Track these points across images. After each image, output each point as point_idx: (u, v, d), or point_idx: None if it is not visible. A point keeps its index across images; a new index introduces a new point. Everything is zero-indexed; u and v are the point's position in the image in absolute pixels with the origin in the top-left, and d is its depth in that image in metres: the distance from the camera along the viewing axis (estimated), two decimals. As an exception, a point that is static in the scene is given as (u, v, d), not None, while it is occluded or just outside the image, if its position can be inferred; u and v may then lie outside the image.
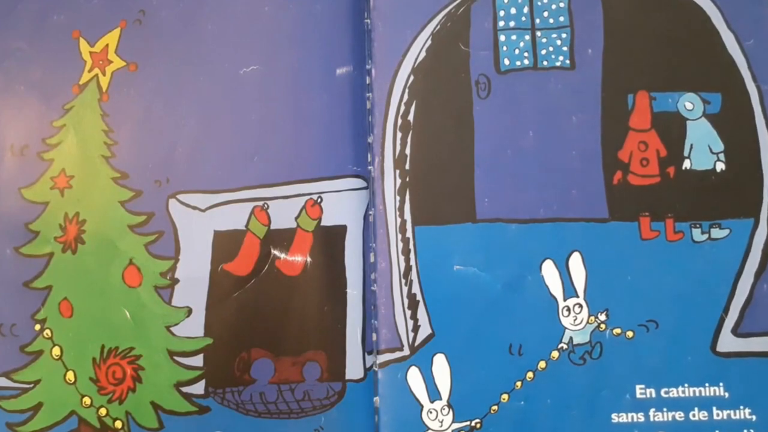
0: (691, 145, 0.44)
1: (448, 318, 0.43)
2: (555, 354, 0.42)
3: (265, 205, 0.46)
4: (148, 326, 0.45)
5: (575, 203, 0.44)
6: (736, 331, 0.42)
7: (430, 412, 0.42)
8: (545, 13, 0.46)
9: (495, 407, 0.42)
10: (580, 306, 0.43)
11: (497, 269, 0.43)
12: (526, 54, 0.45)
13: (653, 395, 0.42)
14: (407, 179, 0.44)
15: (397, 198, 0.44)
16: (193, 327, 0.45)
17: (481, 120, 0.45)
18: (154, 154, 0.47)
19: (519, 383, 0.42)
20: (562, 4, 0.46)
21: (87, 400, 0.45)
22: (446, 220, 0.44)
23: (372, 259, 0.44)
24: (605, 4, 0.45)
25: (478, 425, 0.42)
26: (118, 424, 0.45)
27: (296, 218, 0.46)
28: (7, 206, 0.47)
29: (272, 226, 0.46)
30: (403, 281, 0.43)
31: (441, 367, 0.43)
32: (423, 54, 0.45)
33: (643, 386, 0.42)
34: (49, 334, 0.46)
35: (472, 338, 0.43)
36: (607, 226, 0.43)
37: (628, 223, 0.43)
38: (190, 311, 0.45)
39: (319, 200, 0.46)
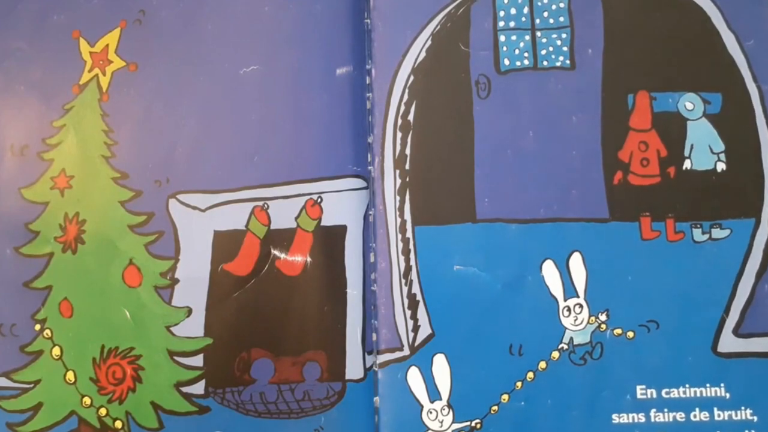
0: (692, 145, 0.44)
1: (448, 318, 0.43)
2: (555, 354, 0.42)
3: (265, 205, 0.46)
4: (148, 326, 0.45)
5: (575, 203, 0.44)
6: (737, 332, 0.42)
7: (430, 413, 0.42)
8: (545, 13, 0.46)
9: (495, 407, 0.42)
10: (581, 306, 0.43)
11: (497, 269, 0.43)
12: (526, 54, 0.45)
13: (654, 396, 0.42)
14: (407, 179, 0.44)
15: (397, 198, 0.44)
16: (193, 327, 0.45)
17: (481, 120, 0.45)
18: (154, 154, 0.47)
19: (519, 383, 0.42)
20: (562, 4, 0.46)
21: (87, 400, 0.45)
22: (446, 220, 0.44)
23: (372, 259, 0.44)
24: (605, 4, 0.45)
25: (478, 425, 0.42)
26: (118, 424, 0.45)
27: (296, 218, 0.46)
28: (7, 206, 0.47)
29: (272, 226, 0.46)
30: (403, 281, 0.43)
31: (441, 367, 0.42)
32: (423, 54, 0.45)
33: (643, 387, 0.42)
34: (49, 334, 0.46)
35: (472, 338, 0.43)
36: (608, 226, 0.43)
37: (628, 223, 0.43)
38: (190, 311, 0.45)
39: (319, 200, 0.46)
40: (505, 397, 0.42)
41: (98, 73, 0.48)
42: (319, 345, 0.44)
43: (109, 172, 0.47)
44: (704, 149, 0.44)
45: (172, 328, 0.45)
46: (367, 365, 0.44)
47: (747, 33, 0.45)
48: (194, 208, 0.46)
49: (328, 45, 0.47)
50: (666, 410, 0.42)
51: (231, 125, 0.47)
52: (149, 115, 0.47)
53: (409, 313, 0.43)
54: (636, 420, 0.42)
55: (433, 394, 0.42)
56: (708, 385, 0.42)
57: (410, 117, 0.45)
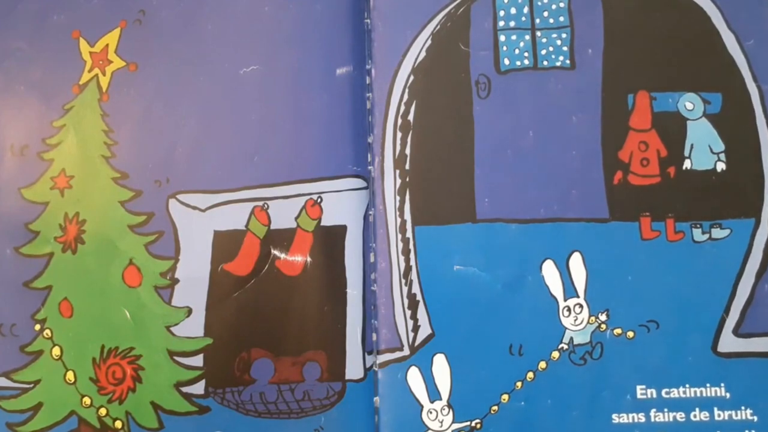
0: (692, 145, 0.44)
1: (448, 318, 0.43)
2: (555, 354, 0.42)
3: (265, 205, 0.46)
4: (148, 326, 0.45)
5: (575, 203, 0.44)
6: (737, 332, 0.42)
7: (430, 412, 0.42)
8: (545, 13, 0.46)
9: (495, 407, 0.42)
10: (581, 306, 0.43)
11: (497, 269, 0.43)
12: (526, 54, 0.45)
13: (654, 396, 0.42)
14: (407, 179, 0.44)
15: (397, 198, 0.44)
16: (193, 327, 0.45)
17: (481, 120, 0.45)
18: (154, 154, 0.47)
19: (519, 383, 0.42)
20: (562, 4, 0.46)
21: (87, 400, 0.45)
22: (446, 220, 0.44)
23: (372, 259, 0.44)
24: (605, 4, 0.45)
25: (478, 425, 0.42)
26: (118, 424, 0.45)
27: (296, 218, 0.46)
28: (7, 206, 0.47)
29: (272, 226, 0.46)
30: (403, 281, 0.43)
31: (441, 367, 0.42)
32: (423, 54, 0.45)
33: (643, 386, 0.42)
34: (49, 334, 0.46)
35: (472, 338, 0.43)
36: (608, 226, 0.43)
37: (628, 223, 0.43)
38: (190, 311, 0.45)
39: (319, 200, 0.46)
40: (505, 397, 0.42)
41: (98, 73, 0.48)
42: (319, 345, 0.44)
43: (109, 172, 0.47)
44: (704, 149, 0.44)
45: (172, 328, 0.45)
46: (367, 365, 0.44)
47: (747, 33, 0.45)
48: (194, 208, 0.46)
49: (328, 45, 0.47)
50: (666, 410, 0.42)
51: (231, 125, 0.47)
52: (149, 115, 0.47)
53: (409, 313, 0.43)
54: (636, 420, 0.42)
55: (433, 394, 0.42)
56: (708, 385, 0.42)
57: (410, 117, 0.45)
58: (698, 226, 0.43)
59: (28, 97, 0.48)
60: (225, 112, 0.47)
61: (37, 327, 0.46)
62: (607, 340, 0.42)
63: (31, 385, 0.46)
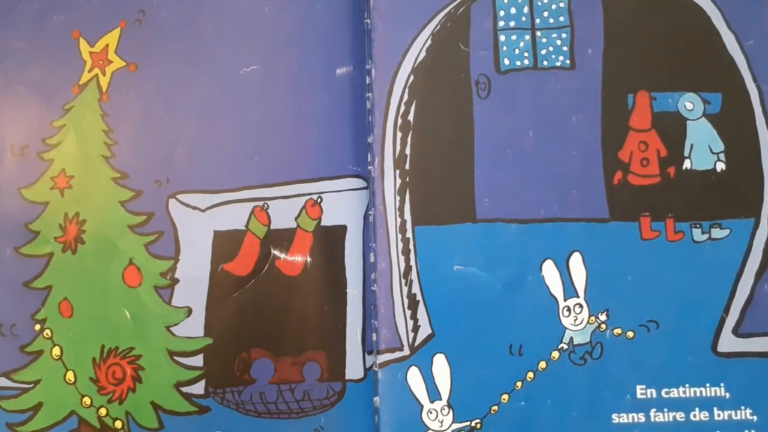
0: (692, 145, 0.44)
1: (448, 318, 0.43)
2: (555, 354, 0.42)
3: (265, 205, 0.46)
4: (148, 326, 0.45)
5: (575, 203, 0.44)
6: (737, 332, 0.42)
7: (430, 412, 0.42)
8: (545, 13, 0.46)
9: (495, 407, 0.42)
10: (581, 306, 0.43)
11: (497, 269, 0.43)
12: (526, 54, 0.45)
13: (654, 395, 0.42)
14: (407, 179, 0.44)
15: (397, 198, 0.44)
16: (193, 327, 0.45)
17: (481, 120, 0.45)
18: (154, 154, 0.47)
19: (519, 383, 0.42)
20: (562, 4, 0.46)
21: (87, 400, 0.45)
22: (446, 220, 0.44)
23: (372, 259, 0.44)
24: (605, 4, 0.45)
25: (478, 425, 0.42)
26: (118, 424, 0.45)
27: (296, 218, 0.46)
28: (7, 206, 0.47)
29: (272, 226, 0.46)
30: (403, 281, 0.43)
31: (441, 367, 0.43)
32: (423, 54, 0.45)
33: (643, 386, 0.42)
34: (49, 334, 0.46)
35: (472, 338, 0.43)
36: (608, 226, 0.43)
37: (628, 223, 0.43)
38: (190, 311, 0.45)
39: (319, 200, 0.46)
40: (505, 397, 0.42)
41: (98, 73, 0.48)
42: (319, 345, 0.44)
43: (109, 172, 0.47)
44: (704, 149, 0.44)
45: (172, 328, 0.45)
46: (367, 365, 0.44)
47: (747, 33, 0.45)
48: (194, 208, 0.46)
49: (328, 45, 0.47)
50: (666, 410, 0.42)
51: (231, 125, 0.47)
52: (149, 115, 0.47)
53: (409, 313, 0.43)
54: (636, 420, 0.42)
55: (433, 394, 0.42)
56: (708, 384, 0.42)
57: (410, 117, 0.45)
58: (698, 226, 0.43)
59: (28, 97, 0.48)
60: (225, 112, 0.47)
61: (37, 327, 0.46)
62: (607, 340, 0.43)
63: (31, 385, 0.46)
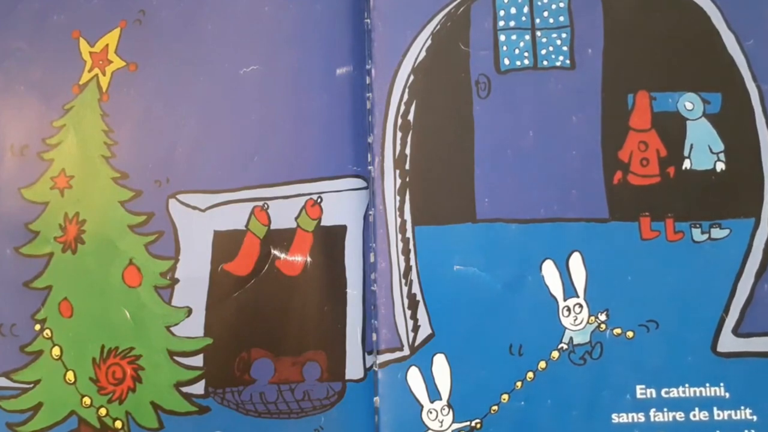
0: (691, 145, 0.44)
1: (448, 318, 0.43)
2: (555, 354, 0.42)
3: (265, 205, 0.46)
4: (148, 326, 0.45)
5: (575, 203, 0.44)
6: (737, 331, 0.42)
7: (430, 412, 0.42)
8: (545, 13, 0.46)
9: (495, 407, 0.42)
10: (581, 306, 0.43)
11: (497, 269, 0.43)
12: (526, 54, 0.45)
13: (654, 395, 0.42)
14: (407, 179, 0.44)
15: (397, 198, 0.44)
16: (193, 327, 0.45)
17: (481, 120, 0.45)
18: (154, 154, 0.47)
19: (519, 383, 0.42)
20: (562, 4, 0.46)
21: (87, 400, 0.45)
22: (446, 220, 0.44)
23: (372, 259, 0.44)
24: (605, 4, 0.45)
25: (478, 425, 0.42)
26: (118, 424, 0.45)
27: (296, 218, 0.46)
28: (7, 206, 0.47)
29: (272, 226, 0.46)
30: (403, 281, 0.43)
31: (441, 367, 0.43)
32: (423, 54, 0.45)
33: (643, 386, 0.42)
34: (49, 334, 0.46)
35: (472, 338, 0.43)
36: (608, 226, 0.43)
37: (628, 223, 0.43)
38: (190, 311, 0.45)
39: (319, 200, 0.46)
40: (505, 397, 0.42)
41: (98, 73, 0.48)
42: (319, 345, 0.44)
43: (109, 172, 0.47)
44: (704, 149, 0.44)
45: (172, 328, 0.45)
46: (367, 365, 0.44)
47: (747, 33, 0.45)
48: (194, 208, 0.46)
49: (328, 45, 0.47)
50: (666, 410, 0.42)
51: (231, 125, 0.47)
52: (149, 115, 0.47)
53: (409, 313, 0.43)
54: (636, 420, 0.42)
55: (433, 394, 0.42)
56: (707, 384, 0.42)
57: (410, 117, 0.45)
58: (698, 226, 0.43)
59: (28, 97, 0.48)
60: (225, 112, 0.47)
61: (37, 327, 0.46)
62: (607, 340, 0.43)
63: (31, 385, 0.46)
